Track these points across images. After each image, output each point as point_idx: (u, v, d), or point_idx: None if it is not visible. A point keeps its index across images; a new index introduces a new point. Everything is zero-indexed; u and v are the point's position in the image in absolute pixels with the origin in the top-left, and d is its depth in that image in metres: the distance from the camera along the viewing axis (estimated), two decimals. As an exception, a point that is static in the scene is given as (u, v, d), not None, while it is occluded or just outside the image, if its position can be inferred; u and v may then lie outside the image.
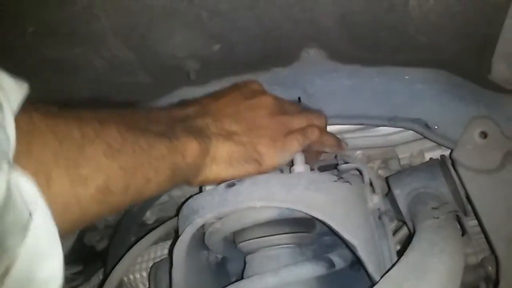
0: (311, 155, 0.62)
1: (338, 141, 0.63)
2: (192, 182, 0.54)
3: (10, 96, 0.32)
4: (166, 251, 0.82)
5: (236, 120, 0.56)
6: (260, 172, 0.55)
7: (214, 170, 0.53)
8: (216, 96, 0.60)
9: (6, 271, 0.29)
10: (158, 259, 0.81)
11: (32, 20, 0.53)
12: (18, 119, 0.31)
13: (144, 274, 0.83)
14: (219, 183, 0.56)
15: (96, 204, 0.38)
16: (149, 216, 0.86)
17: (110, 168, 0.39)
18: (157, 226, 0.78)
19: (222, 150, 0.53)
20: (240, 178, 0.55)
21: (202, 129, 0.53)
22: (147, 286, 0.83)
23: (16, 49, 0.46)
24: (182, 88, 0.67)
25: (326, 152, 0.64)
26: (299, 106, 0.63)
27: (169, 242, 0.82)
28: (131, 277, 0.82)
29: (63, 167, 0.35)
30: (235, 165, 0.54)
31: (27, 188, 0.30)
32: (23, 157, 0.31)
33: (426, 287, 0.42)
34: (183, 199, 0.83)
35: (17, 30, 0.52)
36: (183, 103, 0.58)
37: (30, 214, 0.30)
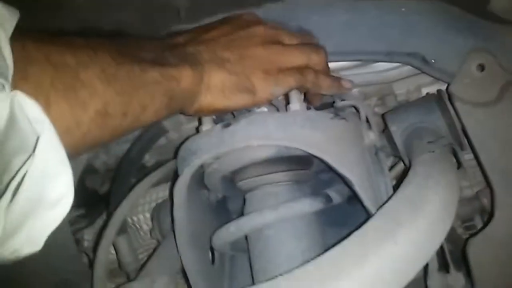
0: (311, 96, 0.62)
1: (337, 82, 0.61)
2: (187, 110, 0.53)
3: (3, 21, 0.31)
4: (167, 192, 0.84)
5: (228, 48, 0.54)
6: (254, 103, 0.55)
7: (208, 98, 0.52)
8: (208, 26, 0.58)
9: (16, 190, 0.29)
10: (160, 200, 0.83)
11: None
12: (11, 46, 0.31)
13: (147, 215, 0.85)
14: (212, 113, 0.56)
15: (96, 127, 0.38)
16: (148, 159, 0.87)
17: (106, 92, 0.39)
18: (157, 168, 0.79)
19: (215, 78, 0.52)
20: (234, 108, 0.55)
21: (195, 55, 0.51)
22: (150, 226, 0.86)
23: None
24: (172, 27, 0.66)
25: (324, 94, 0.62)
26: (298, 38, 0.60)
27: (168, 184, 0.84)
28: (135, 218, 0.84)
29: (61, 91, 0.35)
30: (228, 95, 0.53)
31: (31, 109, 0.31)
32: (20, 82, 0.31)
33: (421, 219, 0.43)
34: (180, 141, 0.84)
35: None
36: (174, 34, 0.57)
37: (37, 134, 0.30)
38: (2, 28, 0.31)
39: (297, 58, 0.57)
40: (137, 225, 0.87)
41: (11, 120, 0.29)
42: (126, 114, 0.42)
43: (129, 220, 0.83)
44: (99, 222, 0.90)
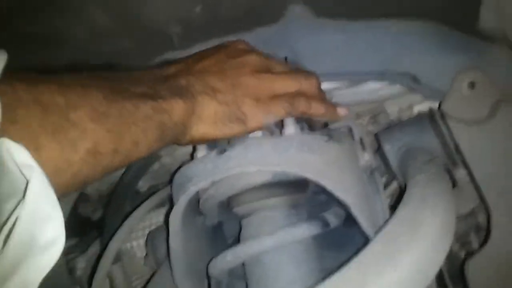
0: (312, 121, 0.61)
1: (331, 109, 0.60)
2: (180, 141, 0.53)
3: None
4: (161, 218, 0.83)
5: (220, 78, 0.54)
6: (246, 132, 0.55)
7: (200, 129, 0.52)
8: (199, 56, 0.58)
9: (8, 236, 0.29)
10: (153, 226, 0.82)
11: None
12: (1, 89, 0.31)
13: (141, 241, 0.84)
14: (205, 142, 0.56)
15: (87, 166, 0.38)
16: (142, 184, 0.86)
17: (97, 131, 0.39)
18: (151, 194, 0.78)
19: (207, 109, 0.52)
20: (226, 138, 0.55)
21: (186, 87, 0.52)
22: (144, 253, 0.84)
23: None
24: (166, 53, 0.66)
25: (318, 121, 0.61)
26: (288, 66, 0.61)
27: (162, 209, 0.83)
28: (128, 245, 0.83)
29: (50, 133, 0.35)
30: (219, 126, 0.53)
31: (19, 154, 0.31)
32: (9, 125, 0.31)
33: (420, 242, 0.43)
34: (174, 166, 0.84)
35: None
36: (165, 64, 0.57)
37: (26, 179, 0.30)
38: None
39: (288, 84, 0.57)
40: (131, 253, 0.85)
41: (0, 166, 0.28)
42: (117, 151, 0.42)
43: (123, 247, 0.82)
44: (92, 249, 0.88)
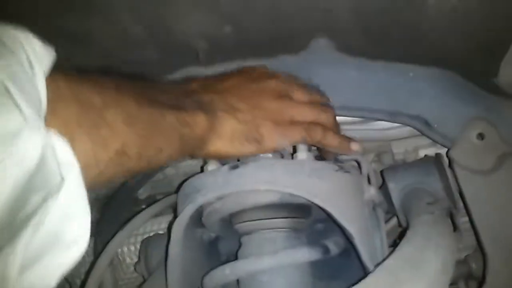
0: (324, 151, 0.63)
1: (346, 142, 0.61)
2: (195, 155, 0.55)
3: (41, 59, 0.33)
4: (155, 227, 0.83)
5: (241, 99, 0.56)
6: (259, 152, 0.56)
7: (217, 145, 0.54)
8: (223, 77, 0.61)
9: (36, 228, 0.29)
10: (146, 235, 0.82)
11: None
12: (46, 83, 0.32)
13: (132, 248, 0.84)
14: (218, 158, 0.57)
15: (113, 167, 0.39)
16: (141, 192, 0.87)
17: (127, 134, 0.40)
18: (150, 203, 0.78)
19: (226, 126, 0.54)
20: (239, 156, 0.56)
21: (209, 103, 0.53)
22: (134, 260, 0.84)
23: (28, 18, 0.46)
24: (188, 67, 0.67)
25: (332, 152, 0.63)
26: (308, 95, 0.62)
27: (159, 219, 0.83)
28: (119, 250, 0.83)
29: (85, 129, 0.36)
30: (235, 144, 0.54)
31: (62, 151, 0.31)
32: (49, 117, 0.32)
33: (421, 279, 0.44)
34: (176, 178, 0.84)
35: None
36: (189, 80, 0.59)
37: (62, 176, 0.31)
38: (40, 66, 0.33)
39: (307, 113, 0.59)
40: (120, 257, 0.85)
41: (41, 160, 0.29)
42: (141, 156, 0.43)
43: (113, 251, 0.81)
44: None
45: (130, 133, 0.41)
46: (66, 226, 0.31)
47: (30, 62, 0.32)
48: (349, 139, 0.62)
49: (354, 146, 0.61)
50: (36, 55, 0.33)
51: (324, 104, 0.63)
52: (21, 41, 0.33)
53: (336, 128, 0.62)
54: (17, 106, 0.29)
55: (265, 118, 0.56)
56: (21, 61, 0.32)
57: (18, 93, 0.29)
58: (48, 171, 0.30)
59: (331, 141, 0.59)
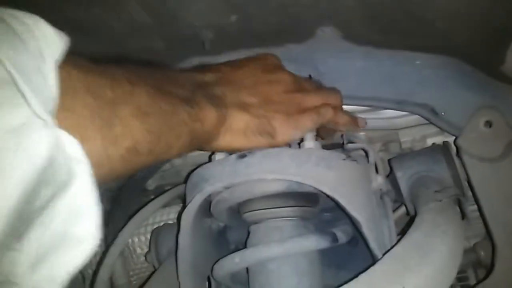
0: (326, 131, 0.63)
1: (353, 120, 0.64)
2: (204, 147, 0.55)
3: (52, 47, 0.31)
4: (165, 217, 0.84)
5: (253, 92, 0.57)
6: (272, 146, 0.56)
7: (228, 139, 0.54)
8: (236, 65, 0.60)
9: (45, 225, 0.29)
10: (156, 224, 0.83)
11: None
12: (57, 73, 0.31)
13: (143, 238, 0.85)
14: (229, 151, 0.58)
15: (124, 163, 0.39)
16: (150, 183, 0.87)
17: (138, 130, 0.40)
18: (158, 193, 0.79)
19: (237, 120, 0.54)
20: (251, 149, 0.56)
21: (221, 98, 0.53)
22: (144, 250, 0.85)
23: (35, 7, 0.46)
24: (194, 57, 0.68)
25: (341, 131, 0.64)
26: (315, 84, 0.64)
27: (168, 209, 0.84)
28: (129, 240, 0.84)
29: (97, 126, 0.36)
30: (248, 136, 0.55)
31: (72, 148, 0.31)
32: (61, 113, 0.31)
33: (429, 265, 0.44)
34: (184, 168, 0.85)
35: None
36: (203, 68, 0.58)
37: (72, 172, 0.30)
38: (51, 55, 0.31)
39: (315, 98, 0.60)
40: (131, 248, 0.86)
41: (50, 158, 0.29)
42: (152, 152, 0.43)
43: (124, 242, 0.82)
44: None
45: (142, 130, 0.40)
46: (76, 223, 0.31)
47: (40, 50, 0.31)
48: (356, 117, 0.65)
49: (362, 122, 0.65)
50: (47, 43, 0.31)
51: (330, 88, 0.65)
52: (31, 27, 0.31)
53: (342, 108, 0.64)
54: (24, 98, 0.28)
55: (277, 111, 0.57)
56: (30, 49, 0.30)
57: (26, 85, 0.28)
58: (57, 166, 0.30)
59: (341, 119, 0.61)
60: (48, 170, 0.29)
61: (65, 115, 0.32)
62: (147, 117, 0.41)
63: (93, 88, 0.36)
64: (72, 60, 0.34)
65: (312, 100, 0.60)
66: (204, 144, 0.53)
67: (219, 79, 0.56)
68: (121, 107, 0.39)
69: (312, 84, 0.63)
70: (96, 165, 0.33)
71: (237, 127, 0.54)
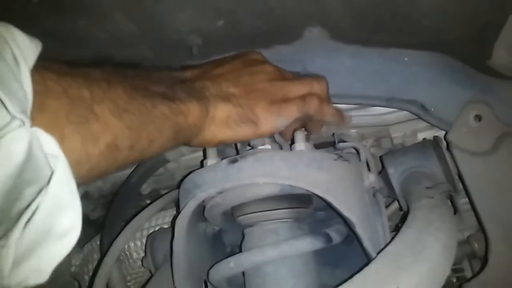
0: (312, 124, 0.63)
1: (339, 112, 0.63)
2: (191, 142, 0.54)
3: (25, 53, 0.33)
4: (160, 221, 0.84)
5: (234, 84, 0.56)
6: (257, 135, 0.56)
7: (212, 130, 0.54)
8: (216, 63, 0.60)
9: (28, 221, 0.30)
10: (151, 229, 0.83)
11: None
12: (32, 77, 0.32)
13: (138, 243, 0.85)
14: (217, 143, 0.57)
15: (104, 160, 0.39)
16: (145, 187, 0.87)
17: (117, 126, 0.40)
18: (154, 197, 0.79)
19: (220, 111, 0.54)
20: (238, 140, 0.57)
21: (202, 90, 0.53)
22: (140, 255, 0.85)
23: (20, 19, 0.46)
24: (183, 63, 0.67)
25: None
26: (299, 74, 0.63)
27: (163, 213, 0.84)
28: (126, 246, 0.83)
29: (75, 124, 0.36)
30: (232, 126, 0.54)
31: (48, 144, 0.32)
32: (38, 114, 0.32)
33: (423, 263, 0.44)
34: (178, 172, 0.85)
35: (22, 0, 0.52)
36: (184, 68, 0.58)
37: (51, 168, 0.31)
38: (24, 61, 0.32)
39: (300, 87, 0.59)
40: (127, 253, 0.86)
41: (28, 154, 0.30)
42: (133, 147, 0.43)
43: (120, 247, 0.82)
44: (88, 247, 0.89)
45: (121, 126, 0.41)
46: (58, 217, 0.32)
47: (14, 57, 0.32)
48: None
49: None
50: (21, 50, 0.32)
51: (316, 76, 0.63)
52: (4, 36, 0.33)
53: (329, 99, 0.63)
54: (2, 103, 0.29)
55: (260, 99, 0.56)
56: (5, 57, 0.31)
57: (3, 91, 0.29)
58: (37, 165, 0.30)
59: (327, 110, 0.60)
60: (28, 167, 0.30)
61: (41, 115, 0.33)
62: (125, 113, 0.41)
63: (68, 89, 0.37)
64: (47, 64, 0.36)
65: (297, 88, 0.59)
66: (191, 138, 0.53)
67: (199, 74, 0.56)
68: (98, 105, 0.39)
69: (296, 75, 0.62)
70: (76, 163, 0.34)
71: (220, 118, 0.54)
